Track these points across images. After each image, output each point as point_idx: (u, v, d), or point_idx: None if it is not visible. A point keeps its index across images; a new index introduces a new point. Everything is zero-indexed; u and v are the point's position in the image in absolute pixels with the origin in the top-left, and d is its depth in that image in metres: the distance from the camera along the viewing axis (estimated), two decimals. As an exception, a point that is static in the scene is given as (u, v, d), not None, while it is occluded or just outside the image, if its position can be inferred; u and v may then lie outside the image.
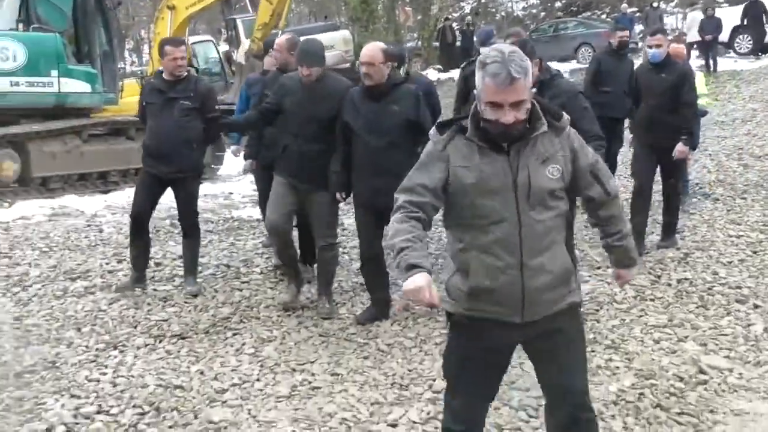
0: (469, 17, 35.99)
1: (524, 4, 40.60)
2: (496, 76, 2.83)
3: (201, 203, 7.21)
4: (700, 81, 9.19)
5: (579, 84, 8.97)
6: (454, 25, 28.70)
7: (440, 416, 3.68)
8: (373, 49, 5.59)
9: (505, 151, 2.97)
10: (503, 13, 39.92)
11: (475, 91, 2.97)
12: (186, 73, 6.57)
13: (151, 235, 7.00)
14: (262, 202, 6.93)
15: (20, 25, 13.51)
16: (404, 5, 29.28)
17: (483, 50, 6.27)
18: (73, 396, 4.58)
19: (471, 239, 3.02)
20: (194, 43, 20.96)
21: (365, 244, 5.83)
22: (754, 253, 7.23)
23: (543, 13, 38.10)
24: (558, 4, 38.51)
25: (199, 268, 6.93)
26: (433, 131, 3.12)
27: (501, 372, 3.28)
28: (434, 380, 4.71)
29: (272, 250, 7.12)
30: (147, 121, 6.65)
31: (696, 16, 24.07)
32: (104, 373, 4.91)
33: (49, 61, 12.79)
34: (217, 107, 6.66)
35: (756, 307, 5.94)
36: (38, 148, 12.01)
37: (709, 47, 21.93)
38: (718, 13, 23.38)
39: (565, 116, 3.10)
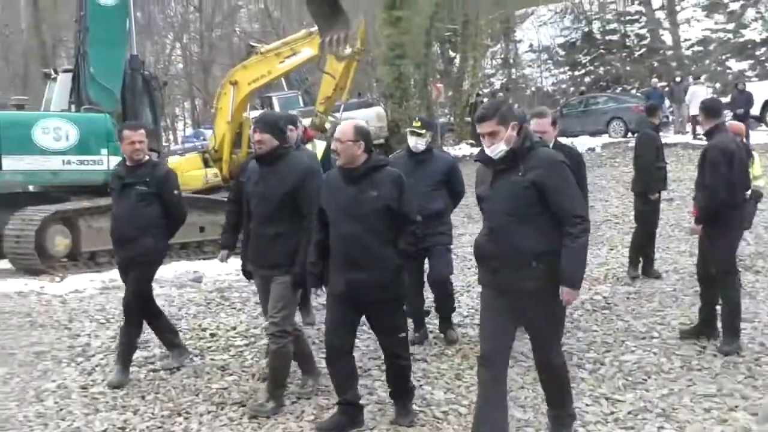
0: (500, 93, 36.60)
1: (554, 79, 41.22)
2: None
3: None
4: (756, 163, 9.36)
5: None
6: (485, 100, 29.19)
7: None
8: (345, 125, 5.22)
9: None
10: (533, 89, 40.54)
11: None
12: (147, 158, 6.48)
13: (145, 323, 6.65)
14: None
15: (72, 107, 14.10)
16: (436, 81, 29.83)
17: None
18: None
19: None
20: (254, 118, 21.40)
21: (331, 333, 5.18)
22: (799, 324, 7.32)
23: (572, 89, 38.65)
24: (587, 80, 39.08)
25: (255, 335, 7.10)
26: None
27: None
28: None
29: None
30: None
31: (697, 90, 24.16)
32: (170, 440, 5.10)
33: (100, 141, 13.31)
34: (176, 191, 6.52)
35: (804, 377, 6.02)
36: (87, 224, 12.41)
37: (741, 121, 22.12)
38: (749, 87, 23.66)
39: None
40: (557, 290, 4.46)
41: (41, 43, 38.50)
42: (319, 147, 8.10)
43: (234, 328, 7.55)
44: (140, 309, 6.46)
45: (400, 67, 25.27)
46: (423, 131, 6.76)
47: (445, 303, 7.27)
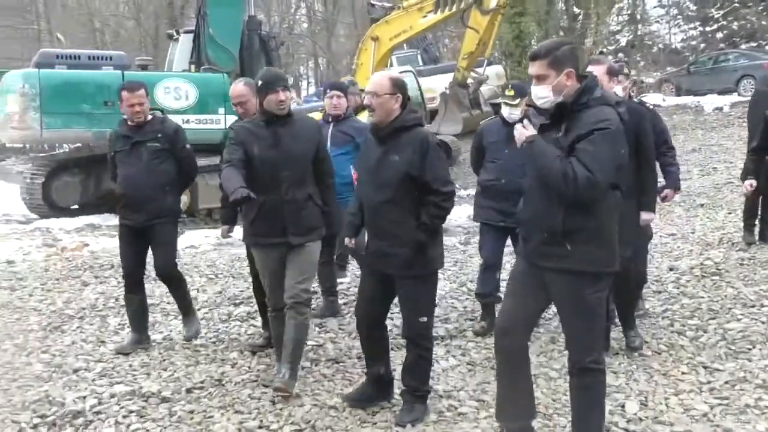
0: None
1: (683, 35, 39.60)
2: None
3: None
4: None
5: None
6: (610, 58, 28.34)
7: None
8: (379, 77, 4.77)
9: None
10: (660, 46, 39.08)
11: None
12: (150, 117, 6.15)
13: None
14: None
15: (192, 67, 14.53)
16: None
17: None
18: (237, 412, 4.94)
19: None
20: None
21: (359, 302, 4.98)
22: None
23: (703, 45, 37.05)
24: (719, 35, 37.36)
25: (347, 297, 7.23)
26: None
27: None
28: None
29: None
30: (117, 172, 6.22)
31: None
32: (265, 393, 5.25)
33: (217, 100, 13.70)
34: (187, 145, 6.33)
35: None
36: (205, 182, 12.82)
37: None
38: None
39: None
40: (589, 278, 3.89)
41: (170, 3, 39.63)
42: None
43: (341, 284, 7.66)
44: (176, 272, 6.41)
45: (520, 24, 24.87)
46: (517, 101, 6.26)
47: None
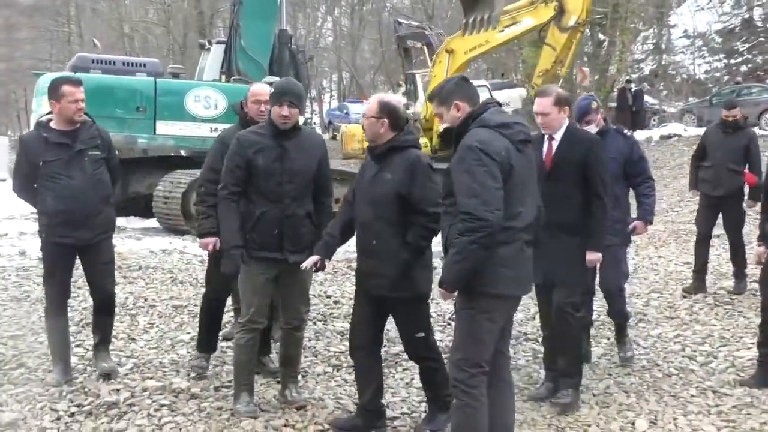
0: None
1: (707, 67, 39.77)
2: None
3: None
4: None
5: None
6: (633, 86, 28.49)
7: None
8: (372, 99, 4.86)
9: None
10: (684, 76, 39.26)
11: None
12: (83, 118, 5.58)
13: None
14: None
15: (223, 77, 14.86)
16: (582, 65, 29.39)
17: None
18: (263, 410, 5.17)
19: None
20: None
21: (352, 328, 5.03)
22: None
23: (727, 77, 37.21)
24: (744, 69, 37.52)
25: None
26: None
27: None
28: (589, 426, 5.05)
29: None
30: (43, 183, 5.48)
31: None
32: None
33: (246, 110, 13.92)
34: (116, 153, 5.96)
35: None
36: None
37: None
38: None
39: None
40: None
41: (200, 13, 40.17)
42: None
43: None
44: (114, 292, 5.93)
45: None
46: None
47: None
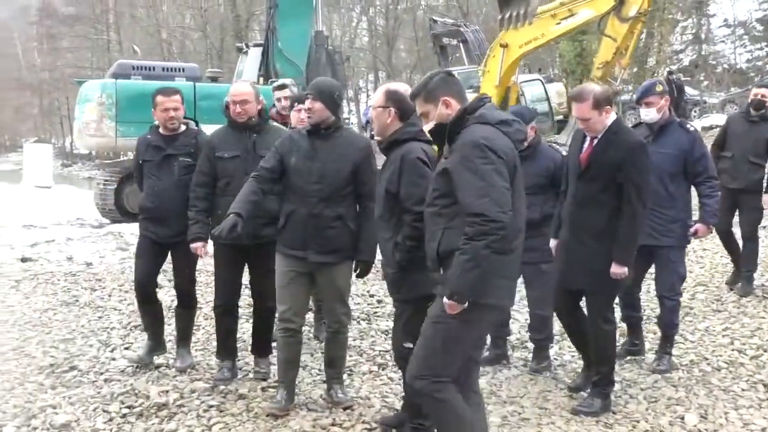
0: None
1: (748, 56, 39.20)
2: None
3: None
4: None
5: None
6: (676, 77, 28.07)
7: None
8: (379, 89, 4.73)
9: None
10: (725, 66, 38.72)
11: None
12: (184, 127, 6.00)
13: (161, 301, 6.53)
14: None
15: (261, 79, 14.97)
16: (620, 57, 29.14)
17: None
18: (310, 410, 5.21)
19: None
20: (523, 82, 20.87)
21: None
22: None
23: (768, 66, 36.66)
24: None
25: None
26: None
27: None
28: (638, 421, 4.99)
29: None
30: (143, 181, 6.03)
31: None
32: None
33: (284, 112, 14.02)
34: None
35: None
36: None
37: None
38: None
39: None
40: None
41: (236, 17, 40.47)
42: None
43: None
44: (193, 291, 6.27)
45: (582, 42, 24.92)
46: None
47: None
